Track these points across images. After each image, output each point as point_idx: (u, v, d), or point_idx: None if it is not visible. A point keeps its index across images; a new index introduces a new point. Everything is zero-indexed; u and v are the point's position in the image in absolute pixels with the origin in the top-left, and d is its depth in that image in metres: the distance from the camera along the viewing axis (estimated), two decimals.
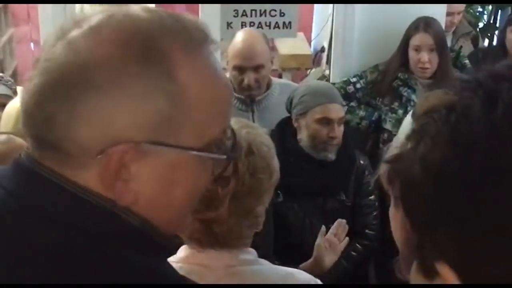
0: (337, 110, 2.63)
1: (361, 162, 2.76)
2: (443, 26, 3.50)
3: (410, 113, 3.02)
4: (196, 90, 0.81)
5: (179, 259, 1.42)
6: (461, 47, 3.84)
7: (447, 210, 0.67)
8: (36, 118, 0.80)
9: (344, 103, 2.95)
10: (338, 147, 2.66)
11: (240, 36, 2.88)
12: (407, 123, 2.99)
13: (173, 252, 0.96)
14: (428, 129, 0.70)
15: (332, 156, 2.65)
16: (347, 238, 2.38)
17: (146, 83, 0.78)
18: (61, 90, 0.78)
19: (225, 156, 0.87)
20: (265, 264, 1.48)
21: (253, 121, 2.93)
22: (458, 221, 0.67)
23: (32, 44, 5.91)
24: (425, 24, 3.27)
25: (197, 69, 0.82)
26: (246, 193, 1.42)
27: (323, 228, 2.36)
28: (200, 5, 3.26)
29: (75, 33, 0.81)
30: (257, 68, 2.83)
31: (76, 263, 0.79)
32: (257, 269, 1.45)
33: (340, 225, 2.37)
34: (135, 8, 0.85)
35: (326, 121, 2.61)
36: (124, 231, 0.82)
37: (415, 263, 0.75)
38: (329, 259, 2.34)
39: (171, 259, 0.98)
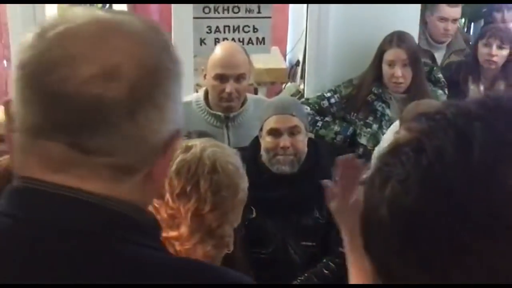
0: (286, 120, 2.61)
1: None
2: (417, 40, 3.51)
3: (395, 124, 3.02)
4: None
5: None
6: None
7: (416, 258, 0.63)
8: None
9: (306, 114, 2.98)
10: (303, 161, 2.62)
11: (221, 47, 2.90)
12: (391, 132, 3.00)
13: None
14: (396, 171, 0.65)
15: (287, 168, 2.61)
16: None
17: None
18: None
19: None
20: None
21: (228, 138, 2.92)
22: (428, 272, 0.62)
23: (5, 62, 5.84)
24: (398, 38, 3.27)
25: None
26: (208, 210, 1.44)
27: None
28: (172, 21, 3.23)
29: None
30: (239, 78, 2.83)
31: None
32: None
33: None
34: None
35: (275, 132, 2.60)
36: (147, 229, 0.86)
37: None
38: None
39: None
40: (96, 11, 0.86)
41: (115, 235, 0.81)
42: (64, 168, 0.81)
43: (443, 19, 3.97)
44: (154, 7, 5.85)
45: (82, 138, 0.79)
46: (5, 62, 5.81)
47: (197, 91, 3.48)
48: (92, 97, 0.78)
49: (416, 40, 3.49)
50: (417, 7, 3.63)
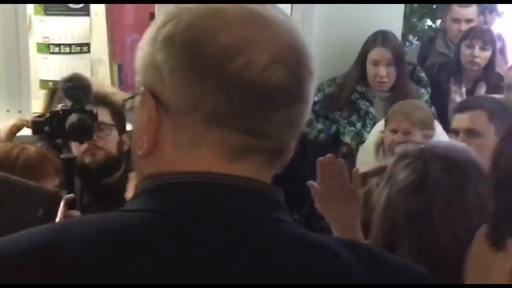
0: None
1: None
2: (399, 39, 3.51)
3: (380, 123, 3.02)
4: None
5: None
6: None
7: None
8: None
9: None
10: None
11: None
12: (376, 132, 3.00)
13: None
14: None
15: None
16: None
17: None
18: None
19: None
20: None
21: None
22: None
23: None
24: (382, 38, 3.27)
25: None
26: None
27: None
28: None
29: None
30: None
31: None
32: None
33: None
34: None
35: None
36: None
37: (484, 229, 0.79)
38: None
39: None
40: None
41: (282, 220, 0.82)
42: (243, 156, 0.81)
43: (456, 20, 3.97)
44: (129, 6, 5.79)
45: (257, 123, 0.80)
46: None
47: None
48: (270, 83, 0.79)
49: (399, 39, 3.50)
50: (401, 7, 3.63)
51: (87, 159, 2.33)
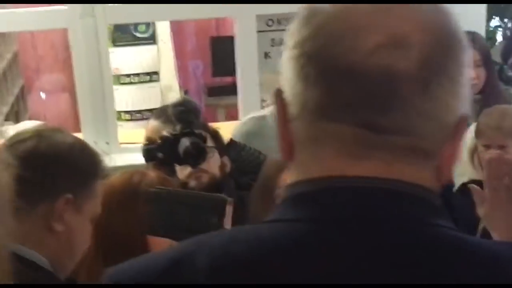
0: None
1: None
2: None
3: (470, 128, 2.91)
4: None
5: None
6: None
7: None
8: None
9: None
10: None
11: None
12: (468, 137, 2.88)
13: None
14: None
15: None
16: None
17: None
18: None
19: None
20: None
21: None
22: None
23: (42, 93, 5.82)
24: (470, 39, 3.17)
25: None
26: None
27: None
28: (236, 36, 3.16)
29: None
30: None
31: None
32: None
33: None
34: None
35: None
36: None
37: None
38: None
39: None
40: None
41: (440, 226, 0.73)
42: (365, 154, 0.72)
43: None
44: (189, 31, 5.82)
45: (374, 115, 0.71)
46: (41, 93, 5.82)
47: (263, 107, 3.40)
48: (381, 69, 0.70)
49: None
50: (484, 7, 3.51)
51: (192, 183, 2.30)
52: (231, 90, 5.55)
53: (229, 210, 1.13)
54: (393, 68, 0.70)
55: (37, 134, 1.47)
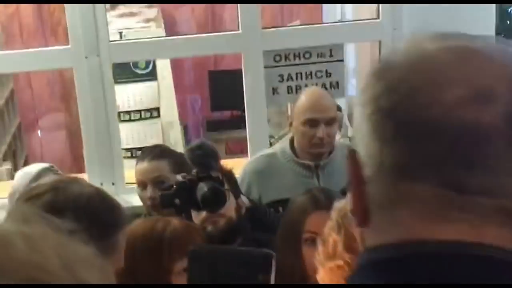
0: None
1: None
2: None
3: None
4: None
5: None
6: None
7: None
8: None
9: None
10: None
11: (307, 92, 2.78)
12: None
13: None
14: None
15: None
16: None
17: None
18: None
19: None
20: None
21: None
22: None
23: (39, 132, 5.75)
24: None
25: None
26: None
27: None
28: (243, 72, 3.12)
29: None
30: (330, 122, 2.69)
31: None
32: None
33: None
34: None
35: None
36: None
37: None
38: None
39: None
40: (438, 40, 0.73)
41: None
42: (447, 216, 0.66)
43: None
44: (188, 65, 5.78)
45: (458, 174, 0.65)
46: (39, 131, 5.74)
47: (270, 144, 3.35)
48: (466, 123, 0.65)
49: None
50: (493, 7, 3.32)
51: (209, 228, 2.23)
52: (230, 124, 5.54)
53: (274, 264, 1.06)
54: (479, 123, 0.64)
55: (53, 187, 1.40)
